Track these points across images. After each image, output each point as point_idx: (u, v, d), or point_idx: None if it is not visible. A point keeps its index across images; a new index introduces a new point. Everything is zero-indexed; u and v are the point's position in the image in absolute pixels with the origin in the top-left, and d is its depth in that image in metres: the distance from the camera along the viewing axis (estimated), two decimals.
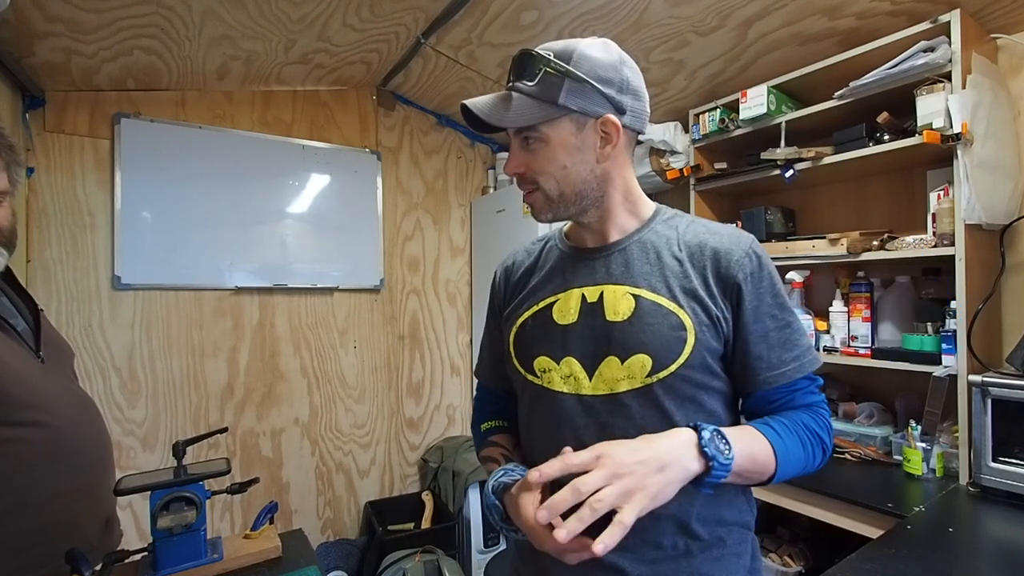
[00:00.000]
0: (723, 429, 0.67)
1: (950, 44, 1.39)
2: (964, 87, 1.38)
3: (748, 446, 0.67)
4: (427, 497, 2.55)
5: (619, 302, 0.74)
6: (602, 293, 0.76)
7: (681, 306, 0.72)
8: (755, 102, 1.76)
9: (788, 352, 0.73)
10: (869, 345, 1.65)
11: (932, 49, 1.42)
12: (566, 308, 0.78)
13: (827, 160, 1.64)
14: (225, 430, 1.31)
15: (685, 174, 2.06)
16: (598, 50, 0.72)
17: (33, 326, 1.02)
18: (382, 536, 2.26)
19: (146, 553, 0.97)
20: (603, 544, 0.57)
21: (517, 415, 0.88)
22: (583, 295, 0.77)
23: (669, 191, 2.24)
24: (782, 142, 1.74)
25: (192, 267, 2.16)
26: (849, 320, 1.71)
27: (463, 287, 2.90)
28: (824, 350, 1.73)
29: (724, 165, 2.04)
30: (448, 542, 2.31)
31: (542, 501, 0.67)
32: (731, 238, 0.75)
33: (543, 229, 0.85)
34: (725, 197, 2.15)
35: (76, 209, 1.99)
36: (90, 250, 2.01)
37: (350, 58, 2.19)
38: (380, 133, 2.63)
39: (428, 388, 2.77)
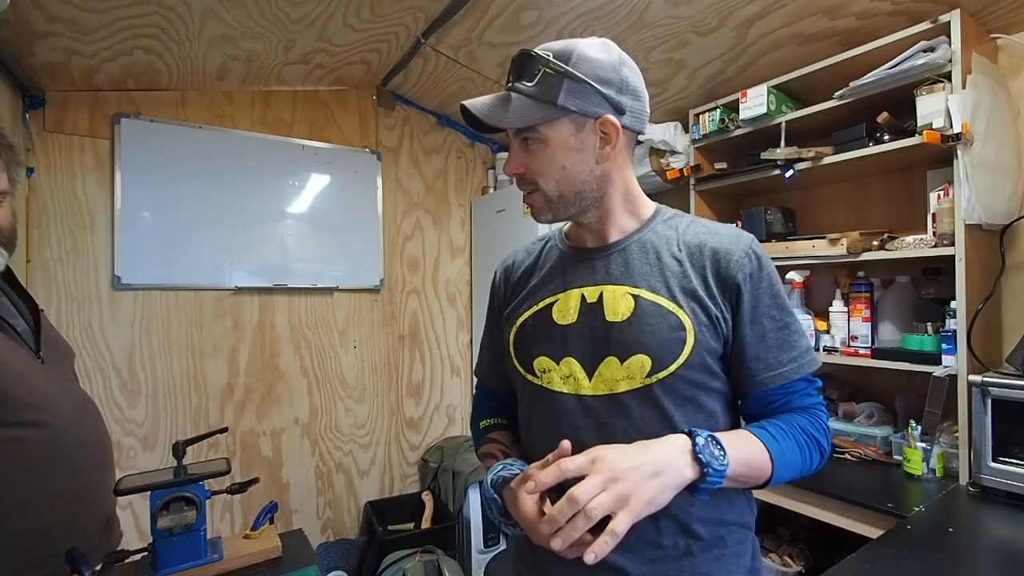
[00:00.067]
0: (718, 435, 0.66)
1: (950, 44, 1.39)
2: (964, 87, 1.38)
3: (743, 451, 0.67)
4: (427, 497, 2.55)
5: (619, 302, 0.74)
6: (602, 293, 0.76)
7: (680, 306, 0.72)
8: (755, 102, 1.76)
9: (786, 353, 0.73)
10: (869, 345, 1.65)
11: (932, 49, 1.42)
12: (566, 308, 0.78)
13: (827, 160, 1.64)
14: (225, 430, 1.31)
15: (685, 174, 2.06)
16: (597, 50, 0.72)
17: (33, 326, 1.02)
18: (382, 536, 2.26)
19: (146, 553, 0.97)
20: (594, 554, 0.57)
21: (516, 414, 0.88)
22: (583, 295, 0.77)
23: (669, 191, 2.24)
24: (782, 142, 1.74)
25: (192, 267, 2.16)
26: (849, 320, 1.71)
27: (463, 287, 2.90)
28: (824, 350, 1.73)
29: (724, 165, 2.04)
30: (448, 542, 2.31)
31: (540, 497, 0.68)
32: (731, 238, 0.75)
33: (543, 229, 0.85)
34: (725, 197, 2.15)
35: (76, 209, 1.99)
36: (90, 250, 2.01)
37: (350, 58, 2.19)
38: (380, 133, 2.63)
39: (428, 388, 2.77)
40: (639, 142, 1.00)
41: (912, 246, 1.53)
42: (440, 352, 2.81)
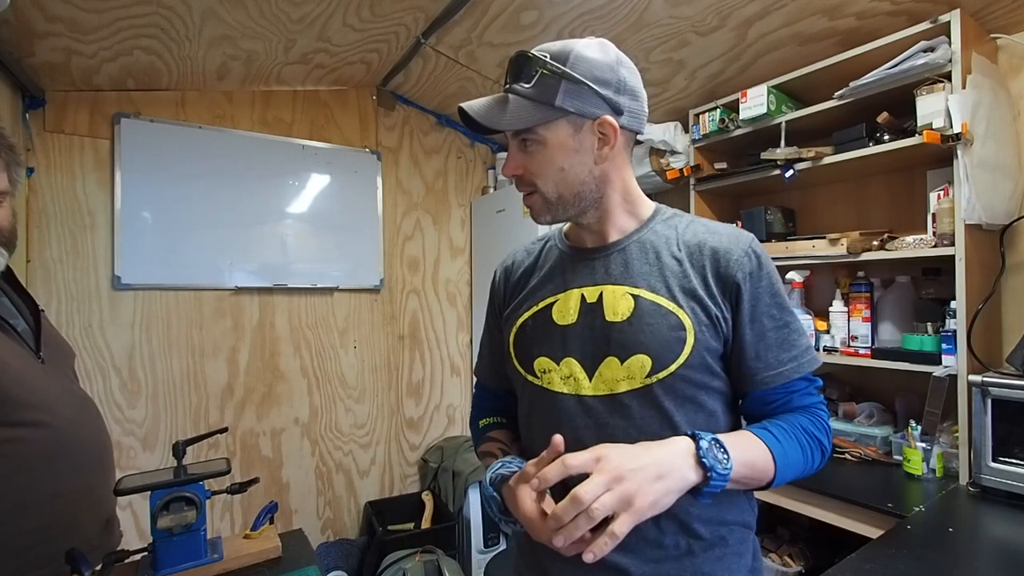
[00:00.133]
0: (721, 437, 0.66)
1: (950, 44, 1.39)
2: (964, 87, 1.38)
3: (746, 453, 0.67)
4: (427, 497, 2.55)
5: (618, 302, 0.74)
6: (601, 293, 0.76)
7: (680, 306, 0.72)
8: (755, 102, 1.76)
9: (786, 352, 0.73)
10: (869, 345, 1.65)
11: (932, 49, 1.42)
12: (565, 308, 0.78)
13: (827, 160, 1.64)
14: (225, 430, 1.31)
15: (685, 174, 2.06)
16: (594, 51, 0.72)
17: (33, 326, 1.02)
18: (382, 536, 2.26)
19: (146, 553, 0.97)
20: (592, 554, 0.57)
21: (516, 413, 0.88)
22: (582, 295, 0.77)
23: (669, 191, 2.24)
24: (782, 142, 1.74)
25: (192, 267, 2.16)
26: (849, 320, 1.71)
27: (463, 287, 2.90)
28: (824, 350, 1.73)
29: (724, 165, 2.04)
30: (448, 542, 2.31)
31: (539, 494, 0.68)
32: (730, 237, 0.75)
33: (543, 229, 0.85)
34: (725, 197, 2.15)
35: (76, 209, 1.99)
36: (90, 250, 2.01)
37: (350, 58, 2.19)
38: (380, 133, 2.63)
39: (428, 388, 2.77)
40: (638, 142, 1.00)
41: (912, 246, 1.53)
42: (440, 352, 2.81)
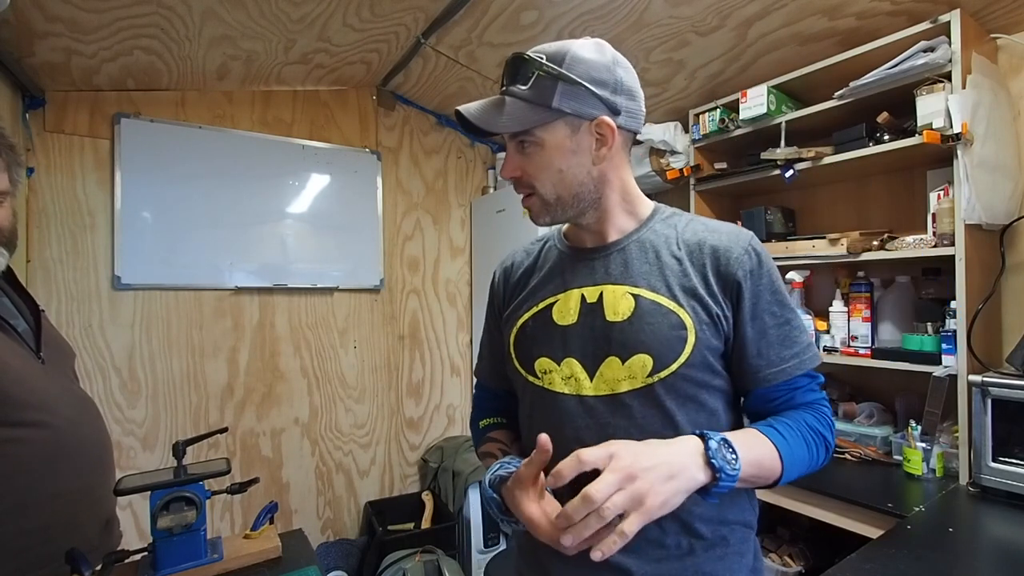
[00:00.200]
0: (729, 436, 0.65)
1: (950, 44, 1.39)
2: (964, 87, 1.38)
3: (753, 452, 0.66)
4: (427, 497, 2.55)
5: (619, 302, 0.74)
6: (601, 293, 0.76)
7: (681, 305, 0.72)
8: (755, 102, 1.76)
9: (787, 349, 0.73)
10: (869, 345, 1.65)
11: (932, 49, 1.42)
12: (566, 309, 0.78)
13: (827, 160, 1.64)
14: (225, 430, 1.31)
15: (685, 174, 2.06)
16: (591, 51, 0.72)
17: (34, 326, 1.02)
18: (382, 536, 2.26)
19: (146, 553, 0.97)
20: (601, 552, 0.56)
21: (516, 413, 0.88)
22: (583, 295, 0.77)
23: (669, 191, 2.24)
24: (782, 142, 1.74)
25: (192, 267, 2.16)
26: (849, 320, 1.71)
27: (463, 287, 2.90)
28: (824, 350, 1.73)
29: (724, 165, 2.04)
30: (448, 542, 2.31)
31: (540, 493, 0.68)
32: (730, 235, 0.75)
33: (543, 229, 0.85)
34: (725, 197, 2.15)
35: (76, 209, 1.99)
36: (90, 250, 2.01)
37: (350, 58, 2.19)
38: (380, 133, 2.63)
39: (428, 388, 2.77)
40: (638, 142, 1.00)
41: (912, 246, 1.53)
42: (440, 352, 2.81)
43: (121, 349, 2.05)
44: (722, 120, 1.91)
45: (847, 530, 1.37)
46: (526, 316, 0.82)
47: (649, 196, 0.84)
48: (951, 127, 1.38)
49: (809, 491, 1.46)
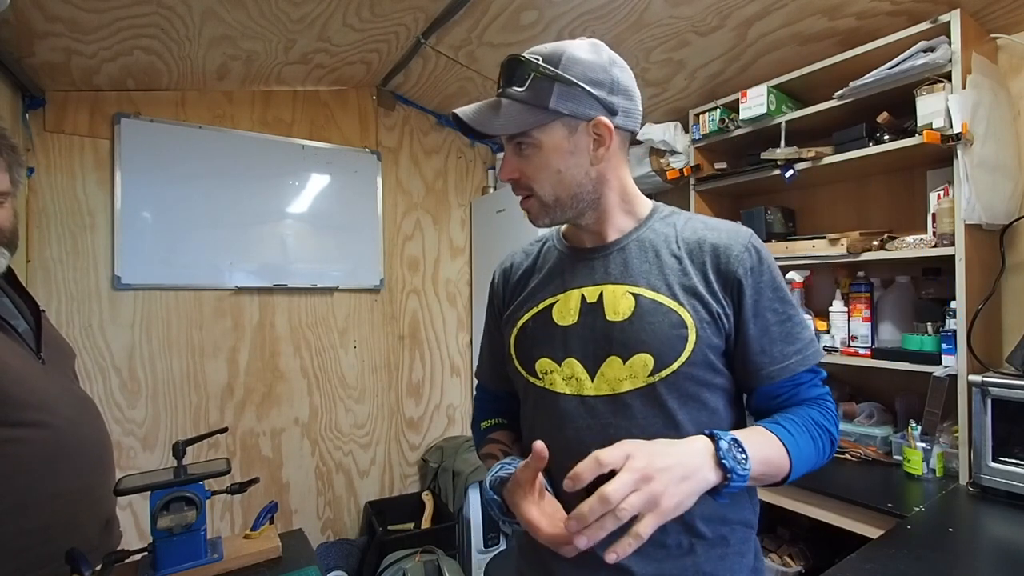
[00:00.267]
0: (739, 436, 0.65)
1: (950, 44, 1.39)
2: (964, 87, 1.38)
3: (763, 451, 0.66)
4: (427, 497, 2.55)
5: (619, 302, 0.74)
6: (601, 293, 0.76)
7: (681, 304, 0.72)
8: (755, 102, 1.76)
9: (790, 345, 0.73)
10: (869, 345, 1.65)
11: (932, 49, 1.42)
12: (566, 309, 0.78)
13: (827, 160, 1.64)
14: (225, 430, 1.32)
15: (685, 174, 2.06)
16: (587, 52, 0.72)
17: (34, 327, 1.02)
18: (382, 536, 2.26)
19: (146, 553, 0.97)
20: (615, 554, 0.56)
21: (517, 414, 0.88)
22: (583, 295, 0.77)
23: (669, 191, 2.24)
24: (782, 142, 1.74)
25: (192, 267, 2.16)
26: (849, 320, 1.71)
27: (463, 287, 2.90)
28: (824, 350, 1.73)
29: (724, 165, 2.04)
30: (448, 542, 2.31)
31: (540, 493, 0.67)
32: (730, 233, 0.75)
33: (542, 230, 0.85)
34: (725, 197, 2.15)
35: (76, 209, 1.99)
36: (90, 250, 2.01)
37: (350, 58, 2.19)
38: (380, 133, 2.63)
39: (428, 388, 2.77)
40: (637, 141, 1.00)
41: (912, 246, 1.53)
42: (440, 352, 2.81)
43: (121, 349, 2.05)
44: (722, 120, 1.91)
45: (847, 530, 1.37)
46: (526, 317, 0.82)
47: (649, 196, 0.84)
48: (951, 127, 1.38)
49: (809, 491, 1.46)
